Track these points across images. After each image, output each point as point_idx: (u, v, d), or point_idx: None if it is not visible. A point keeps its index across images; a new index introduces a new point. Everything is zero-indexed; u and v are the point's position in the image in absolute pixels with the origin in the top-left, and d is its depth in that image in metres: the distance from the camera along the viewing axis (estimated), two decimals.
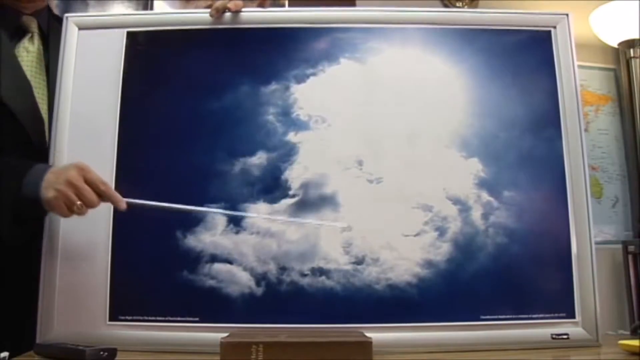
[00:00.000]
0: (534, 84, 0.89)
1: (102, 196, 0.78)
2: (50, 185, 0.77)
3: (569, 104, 0.88)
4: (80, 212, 0.77)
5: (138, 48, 0.91)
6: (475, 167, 0.86)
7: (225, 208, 0.83)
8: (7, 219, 0.80)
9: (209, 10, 0.92)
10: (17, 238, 0.82)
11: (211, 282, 0.82)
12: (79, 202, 0.76)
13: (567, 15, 0.91)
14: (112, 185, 0.84)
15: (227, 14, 0.91)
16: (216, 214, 0.83)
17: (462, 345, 0.80)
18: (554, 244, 0.85)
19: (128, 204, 0.79)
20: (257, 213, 0.84)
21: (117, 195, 0.78)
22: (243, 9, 0.91)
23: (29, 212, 0.80)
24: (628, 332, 1.26)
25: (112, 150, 0.86)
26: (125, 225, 0.84)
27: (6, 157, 0.85)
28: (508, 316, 0.82)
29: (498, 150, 0.86)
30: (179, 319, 0.81)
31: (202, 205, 0.83)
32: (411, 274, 0.82)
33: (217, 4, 0.91)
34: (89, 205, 0.77)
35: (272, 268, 0.82)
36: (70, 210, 0.77)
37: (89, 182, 0.77)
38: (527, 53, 0.91)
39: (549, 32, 0.91)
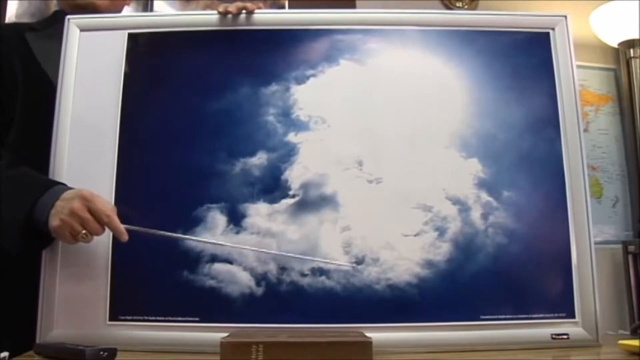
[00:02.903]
0: (533, 85, 0.90)
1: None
2: (57, 213, 0.77)
3: (567, 104, 0.88)
4: (86, 241, 0.78)
5: (139, 49, 0.91)
6: (475, 167, 0.86)
7: (225, 208, 0.84)
8: (16, 236, 0.80)
9: (209, 11, 0.92)
10: (24, 253, 0.83)
11: (211, 282, 0.82)
12: (83, 232, 0.77)
13: (565, 17, 0.92)
14: (113, 184, 0.84)
15: (229, 16, 0.91)
16: (215, 214, 0.83)
17: (462, 345, 0.80)
18: (554, 244, 0.85)
19: (129, 231, 0.79)
20: (257, 213, 0.84)
21: (120, 227, 0.78)
22: (244, 11, 0.92)
23: (39, 231, 0.80)
24: (628, 332, 1.26)
25: (113, 151, 0.86)
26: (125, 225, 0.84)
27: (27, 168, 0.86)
28: (508, 316, 0.82)
29: (497, 151, 0.87)
30: (179, 319, 0.81)
31: (202, 205, 0.84)
32: (411, 274, 0.82)
33: (232, 7, 0.91)
34: (93, 233, 0.78)
35: (272, 268, 0.82)
36: (74, 238, 0.78)
37: (92, 212, 0.77)
38: (526, 54, 0.91)
39: (548, 33, 0.91)
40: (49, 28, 1.02)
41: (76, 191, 0.80)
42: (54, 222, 0.77)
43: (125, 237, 0.79)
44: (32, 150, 0.90)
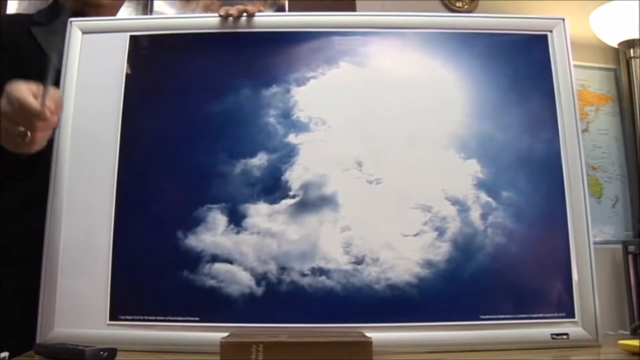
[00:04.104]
0: (532, 86, 0.90)
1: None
2: None
3: (566, 105, 0.89)
4: (26, 139, 0.72)
5: (141, 52, 0.91)
6: (474, 168, 0.86)
7: (226, 208, 0.84)
8: None
9: (210, 14, 0.93)
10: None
11: (211, 282, 0.82)
12: (20, 129, 0.71)
13: (563, 19, 0.92)
14: (114, 185, 0.84)
15: (230, 18, 0.91)
16: (216, 214, 0.83)
17: (462, 345, 0.80)
18: (553, 244, 0.85)
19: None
20: (258, 213, 0.84)
21: (33, 106, 0.70)
22: (245, 14, 0.92)
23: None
24: (628, 332, 1.26)
25: (114, 152, 0.86)
26: (125, 225, 0.84)
27: None
28: (508, 316, 0.82)
29: (496, 152, 0.87)
30: (179, 319, 0.81)
31: (203, 206, 0.84)
32: (411, 274, 0.82)
33: (233, 9, 0.91)
34: (23, 126, 0.72)
35: (272, 268, 0.82)
36: (20, 138, 0.72)
37: (11, 104, 0.71)
38: (525, 56, 0.91)
39: (546, 35, 0.92)
40: (53, 22, 1.02)
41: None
42: None
43: (44, 115, 0.71)
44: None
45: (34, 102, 0.70)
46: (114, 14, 1.11)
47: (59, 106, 0.76)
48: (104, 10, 1.05)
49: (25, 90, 0.71)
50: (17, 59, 0.98)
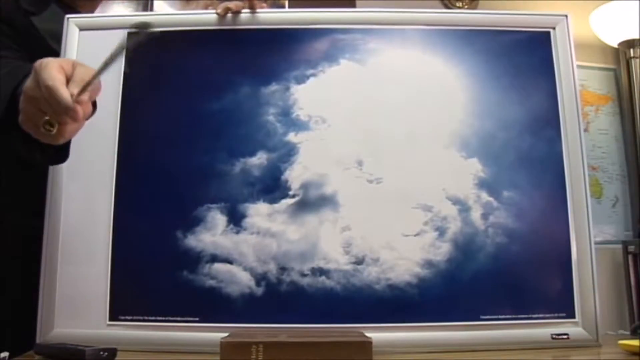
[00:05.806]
0: (534, 84, 0.90)
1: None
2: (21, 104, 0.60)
3: (568, 104, 0.88)
4: (51, 133, 0.59)
5: (138, 49, 0.90)
6: (475, 167, 0.86)
7: (225, 208, 0.84)
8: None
9: (208, 11, 0.92)
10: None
11: (211, 282, 0.82)
12: (44, 119, 0.58)
13: (566, 16, 0.92)
14: (113, 185, 0.84)
15: (228, 15, 0.91)
16: (215, 214, 0.83)
17: (462, 345, 0.80)
18: (554, 244, 0.85)
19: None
20: (257, 213, 0.84)
21: (63, 99, 0.56)
22: (244, 10, 0.91)
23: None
24: (628, 332, 1.26)
25: (113, 151, 0.86)
26: (125, 225, 0.84)
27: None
28: (508, 316, 0.82)
29: (498, 151, 0.87)
30: (179, 319, 0.81)
31: (202, 205, 0.83)
32: (411, 274, 0.82)
33: (231, 4, 0.90)
34: (51, 118, 0.59)
35: (272, 268, 0.82)
36: (44, 128, 0.59)
37: (39, 87, 0.57)
38: (527, 54, 0.91)
39: (548, 32, 0.91)
40: (45, 11, 1.01)
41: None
42: (20, 117, 0.61)
43: (76, 114, 0.58)
44: None
45: (66, 96, 0.57)
46: (95, 8, 1.08)
47: (96, 93, 0.64)
48: (89, 4, 1.04)
49: (57, 76, 0.57)
50: (22, 40, 0.96)
